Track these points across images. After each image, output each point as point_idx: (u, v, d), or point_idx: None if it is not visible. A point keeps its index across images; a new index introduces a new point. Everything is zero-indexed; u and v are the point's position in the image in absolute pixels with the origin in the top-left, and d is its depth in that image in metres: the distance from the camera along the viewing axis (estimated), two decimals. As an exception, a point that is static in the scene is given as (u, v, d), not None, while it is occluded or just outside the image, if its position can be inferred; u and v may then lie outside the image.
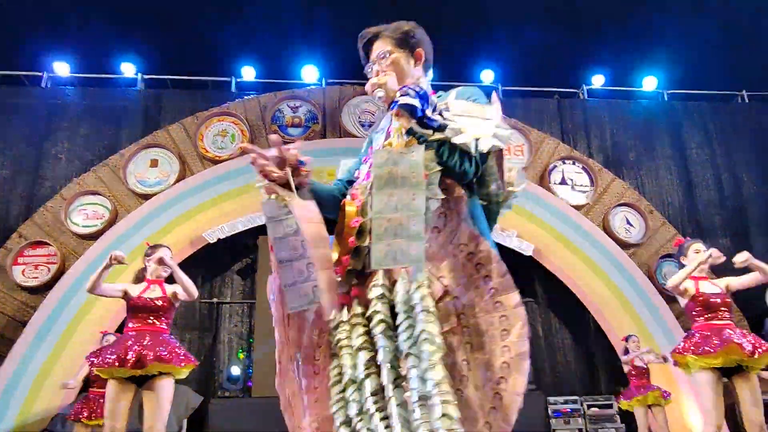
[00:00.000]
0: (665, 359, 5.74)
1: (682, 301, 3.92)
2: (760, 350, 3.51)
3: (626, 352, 6.10)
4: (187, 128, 7.25)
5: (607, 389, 7.26)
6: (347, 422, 1.44)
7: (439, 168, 1.47)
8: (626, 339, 6.23)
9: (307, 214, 1.52)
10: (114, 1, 7.31)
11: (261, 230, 6.17)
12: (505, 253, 7.33)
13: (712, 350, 3.54)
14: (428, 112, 1.50)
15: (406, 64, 1.81)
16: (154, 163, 7.15)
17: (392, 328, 1.41)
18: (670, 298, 6.83)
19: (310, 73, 8.11)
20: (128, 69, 8.01)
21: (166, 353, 3.55)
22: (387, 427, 1.35)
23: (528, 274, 7.83)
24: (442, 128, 1.49)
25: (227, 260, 7.51)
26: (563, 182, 7.64)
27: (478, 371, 1.37)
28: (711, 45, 8.01)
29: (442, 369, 1.28)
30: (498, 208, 1.80)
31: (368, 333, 1.46)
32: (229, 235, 6.92)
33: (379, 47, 1.81)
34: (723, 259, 3.80)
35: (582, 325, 7.66)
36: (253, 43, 7.99)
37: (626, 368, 6.08)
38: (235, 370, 6.70)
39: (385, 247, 1.38)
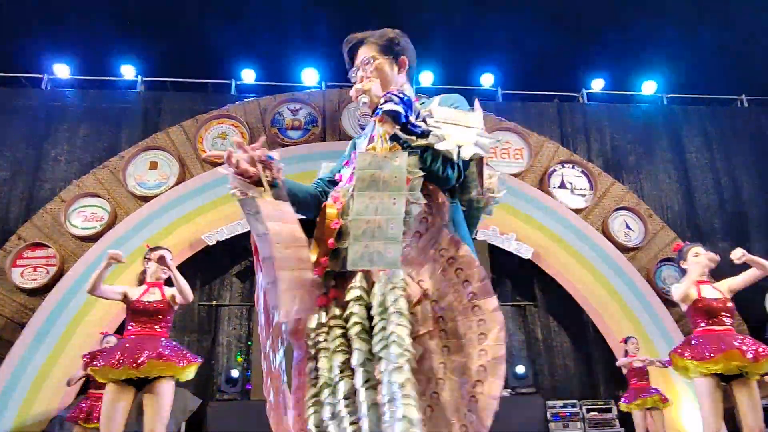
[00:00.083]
0: (665, 365, 5.74)
1: (683, 306, 3.91)
2: (762, 356, 3.50)
3: (626, 354, 6.10)
4: (187, 131, 7.25)
5: (606, 393, 7.26)
6: (319, 424, 1.46)
7: (421, 174, 1.49)
8: (625, 341, 6.23)
9: (275, 213, 1.53)
10: (114, 3, 7.32)
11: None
12: (504, 255, 7.39)
13: (712, 355, 3.53)
14: (412, 119, 1.52)
15: (390, 71, 1.82)
16: (154, 166, 7.15)
17: (368, 331, 1.42)
18: (669, 302, 6.83)
19: (310, 76, 8.12)
20: (128, 71, 8.01)
21: (166, 351, 3.55)
22: (356, 431, 1.36)
23: (527, 277, 7.84)
24: (425, 134, 1.51)
25: (226, 263, 7.51)
26: (563, 186, 7.65)
27: (455, 374, 1.38)
28: (710, 49, 8.02)
29: (409, 371, 1.29)
30: (478, 214, 1.82)
31: (345, 335, 1.47)
32: (229, 238, 6.92)
33: (364, 53, 1.82)
34: (718, 259, 3.82)
35: (581, 329, 7.66)
36: (253, 45, 8.01)
37: (624, 370, 6.08)
38: (234, 373, 6.69)
39: (361, 248, 1.39)
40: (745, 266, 3.78)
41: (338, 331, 1.48)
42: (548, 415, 6.64)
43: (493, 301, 1.42)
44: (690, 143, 8.50)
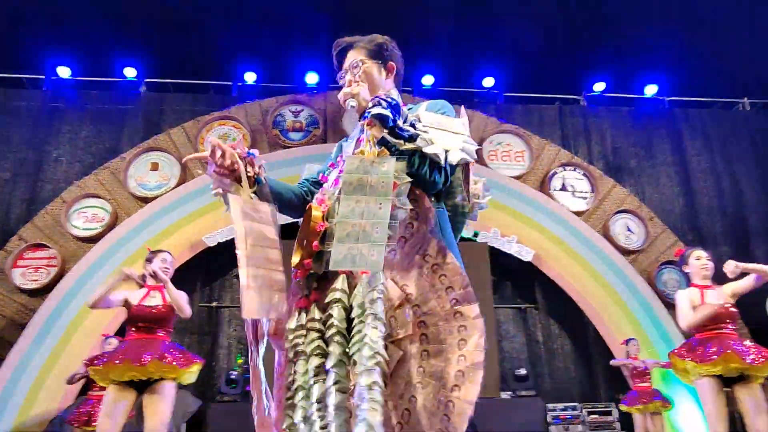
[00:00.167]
0: (665, 366, 5.74)
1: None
2: (761, 359, 3.49)
3: (627, 355, 6.10)
4: (188, 132, 7.26)
5: (607, 396, 7.24)
6: (291, 427, 1.46)
7: (409, 179, 1.50)
8: (626, 342, 6.23)
9: (248, 211, 1.56)
10: (116, 4, 7.33)
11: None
12: (505, 258, 7.39)
13: (712, 357, 3.53)
14: (400, 123, 1.54)
15: (378, 75, 1.84)
16: (155, 167, 7.16)
17: (345, 334, 1.43)
18: (670, 305, 6.82)
19: (312, 78, 8.13)
20: (130, 72, 8.02)
21: (168, 353, 3.54)
22: None
23: (528, 279, 7.83)
24: (413, 138, 1.53)
25: (227, 264, 7.51)
26: (564, 188, 7.65)
27: (433, 379, 1.40)
28: (712, 52, 8.02)
29: (378, 375, 1.30)
30: (463, 219, 1.84)
31: (323, 338, 1.48)
32: (229, 239, 6.91)
33: (353, 57, 1.85)
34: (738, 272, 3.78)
35: (582, 332, 7.66)
36: (255, 47, 8.01)
37: (625, 371, 6.06)
38: (234, 375, 6.68)
39: (345, 250, 1.40)
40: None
41: (315, 335, 1.49)
42: (549, 418, 6.63)
43: (475, 308, 1.44)
44: (691, 146, 8.49)
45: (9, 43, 7.52)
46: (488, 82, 8.48)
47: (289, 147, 7.31)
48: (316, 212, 1.55)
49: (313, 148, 7.26)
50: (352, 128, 1.88)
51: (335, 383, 1.37)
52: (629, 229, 7.52)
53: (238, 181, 1.63)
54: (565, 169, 7.73)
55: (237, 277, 7.85)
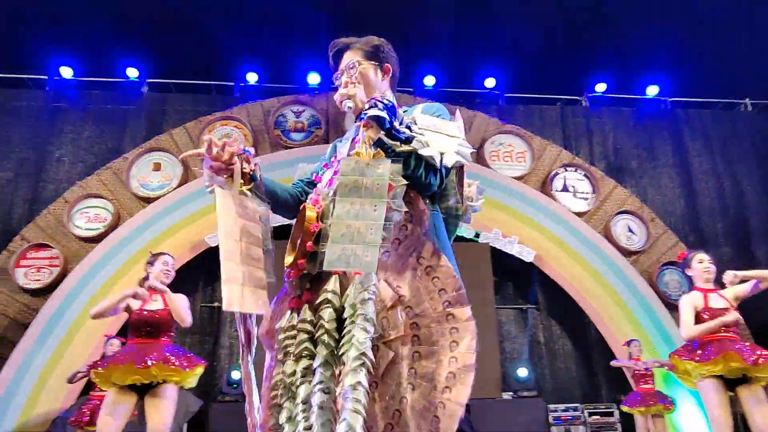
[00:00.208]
0: (667, 367, 5.73)
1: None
2: (763, 359, 3.49)
3: (630, 357, 6.10)
4: (191, 132, 7.27)
5: (608, 397, 7.25)
6: (275, 427, 1.48)
7: (404, 182, 1.51)
8: (628, 343, 6.22)
9: (234, 206, 1.56)
10: (119, 5, 7.34)
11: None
12: (507, 258, 7.39)
13: (711, 356, 3.53)
14: (396, 125, 1.55)
15: (374, 77, 1.85)
16: (157, 167, 7.17)
17: (334, 334, 1.43)
18: (671, 306, 6.83)
19: (313, 78, 8.14)
20: (132, 73, 8.03)
21: (172, 357, 3.53)
22: None
23: (529, 280, 7.84)
24: (409, 141, 1.55)
25: (229, 264, 7.50)
26: (565, 189, 7.65)
27: (425, 380, 1.40)
28: (714, 53, 8.01)
29: (363, 375, 1.31)
30: (456, 221, 1.85)
31: (312, 339, 1.49)
32: (231, 240, 6.92)
33: (349, 58, 1.86)
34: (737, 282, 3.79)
35: (583, 332, 7.66)
36: (257, 47, 8.02)
37: (628, 373, 6.06)
38: (236, 375, 6.69)
39: (339, 250, 1.40)
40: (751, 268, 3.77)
41: (304, 336, 1.49)
42: (550, 419, 6.63)
43: (467, 311, 1.45)
44: (693, 147, 8.49)
45: (12, 44, 7.54)
46: (490, 82, 8.48)
47: (290, 147, 7.32)
48: (311, 212, 1.55)
49: (315, 149, 7.27)
50: (354, 129, 1.88)
51: (319, 383, 1.38)
52: (630, 230, 7.52)
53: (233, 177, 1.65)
54: (566, 170, 7.73)
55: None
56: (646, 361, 6.00)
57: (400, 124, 1.57)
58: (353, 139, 1.76)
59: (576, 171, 7.75)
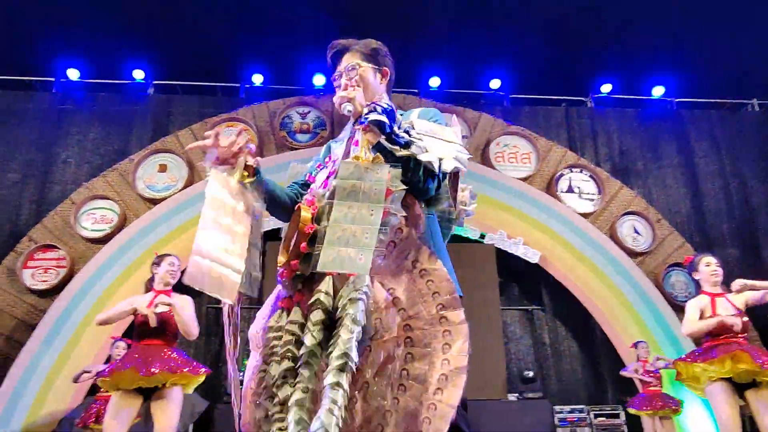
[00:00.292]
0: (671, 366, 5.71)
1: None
2: None
3: (637, 359, 6.07)
4: (196, 134, 7.29)
5: (614, 398, 7.22)
6: (255, 424, 1.50)
7: (403, 187, 1.53)
8: (635, 345, 6.19)
9: (227, 187, 1.56)
10: (124, 7, 7.37)
11: (269, 235, 6.19)
12: (512, 259, 7.38)
13: (717, 356, 3.51)
14: (396, 129, 1.57)
15: (373, 80, 1.86)
16: (163, 168, 7.20)
17: (318, 335, 1.44)
18: (677, 308, 6.80)
19: (319, 80, 8.15)
20: (138, 74, 8.07)
21: (174, 364, 3.54)
22: None
23: (534, 281, 7.82)
24: (408, 145, 1.56)
25: (234, 265, 7.52)
26: (570, 190, 7.63)
27: (417, 381, 1.42)
28: (720, 53, 7.98)
29: (342, 375, 1.32)
30: (450, 225, 1.88)
31: (297, 341, 1.50)
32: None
33: (349, 60, 1.86)
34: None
35: (588, 333, 7.64)
36: (262, 49, 8.04)
37: (636, 375, 6.02)
38: (242, 375, 6.70)
39: (333, 253, 1.42)
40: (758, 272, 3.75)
41: (289, 337, 1.51)
42: (555, 420, 6.62)
43: (460, 314, 1.47)
44: (699, 148, 8.46)
45: (19, 46, 7.58)
46: (495, 83, 8.48)
47: (296, 149, 7.33)
48: (306, 213, 1.56)
49: (321, 150, 7.27)
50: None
51: (299, 383, 1.40)
52: (636, 231, 7.49)
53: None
54: (571, 171, 7.72)
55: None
56: (653, 363, 5.97)
57: (399, 128, 1.59)
58: (349, 141, 1.79)
59: (581, 172, 7.73)
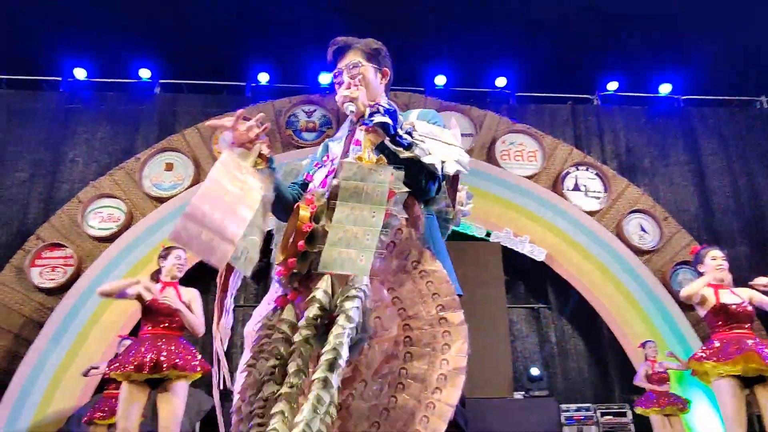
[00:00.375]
0: (686, 366, 5.68)
1: (701, 311, 3.86)
2: None
3: (645, 358, 6.04)
4: (203, 132, 7.31)
5: (621, 397, 7.20)
6: (238, 422, 1.51)
7: (406, 189, 1.53)
8: (643, 345, 6.16)
9: (235, 169, 1.54)
10: (131, 6, 7.40)
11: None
12: (518, 257, 7.36)
13: (731, 356, 3.49)
14: (399, 131, 1.58)
15: (374, 79, 1.87)
16: (170, 167, 7.22)
17: (306, 331, 1.43)
18: (685, 306, 6.76)
19: (325, 78, 8.16)
20: (145, 74, 8.10)
21: (180, 361, 3.57)
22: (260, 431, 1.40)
23: (540, 279, 7.80)
24: (410, 147, 1.57)
25: (241, 264, 7.54)
26: (576, 188, 7.61)
27: (416, 380, 1.43)
28: (728, 49, 7.93)
29: (330, 371, 1.31)
30: (446, 224, 1.89)
31: (286, 340, 1.50)
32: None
33: (351, 58, 1.87)
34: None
35: (595, 332, 7.61)
36: (268, 48, 8.05)
37: (644, 374, 5.98)
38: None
39: (335, 254, 1.42)
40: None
41: (279, 335, 1.51)
42: (562, 419, 6.60)
43: (459, 315, 1.48)
44: (707, 145, 8.41)
45: (26, 47, 7.63)
46: (501, 81, 8.46)
47: (302, 147, 7.34)
48: (304, 212, 1.55)
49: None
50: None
51: (288, 379, 1.40)
52: (643, 229, 7.46)
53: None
54: (577, 169, 7.69)
55: (251, 277, 7.89)
56: (662, 363, 5.94)
57: (401, 129, 1.60)
58: (347, 140, 1.79)
59: (587, 170, 7.71)
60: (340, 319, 1.38)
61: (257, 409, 1.44)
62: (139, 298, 3.77)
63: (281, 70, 8.28)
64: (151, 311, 3.73)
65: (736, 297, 3.75)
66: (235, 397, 1.60)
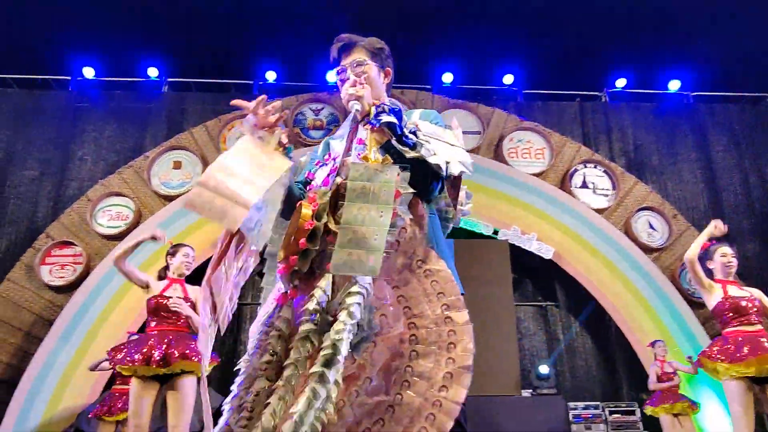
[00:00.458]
0: (695, 370, 5.66)
1: (709, 304, 3.84)
2: None
3: (654, 357, 6.00)
4: (210, 131, 7.34)
5: (629, 395, 7.17)
6: (228, 413, 1.54)
7: (412, 190, 1.55)
8: (652, 344, 6.11)
9: (255, 149, 1.54)
10: (139, 6, 7.43)
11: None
12: (526, 255, 7.34)
13: (744, 358, 3.46)
14: (405, 131, 1.59)
15: (378, 78, 1.88)
16: (178, 165, 7.25)
17: (311, 329, 1.44)
18: (695, 304, 6.73)
19: (332, 76, 8.15)
20: (153, 72, 8.13)
21: (189, 351, 3.59)
22: (246, 425, 1.42)
23: (548, 277, 7.78)
24: (416, 147, 1.59)
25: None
26: (584, 186, 7.58)
27: (421, 378, 1.44)
28: (739, 45, 7.86)
29: (329, 367, 1.32)
30: (446, 224, 1.90)
31: (281, 336, 1.52)
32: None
33: (356, 55, 1.87)
34: (725, 230, 3.87)
35: (603, 330, 7.59)
36: (275, 46, 8.06)
37: (655, 376, 5.93)
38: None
39: (345, 256, 1.43)
40: None
41: (275, 332, 1.54)
42: (570, 417, 6.58)
43: (464, 315, 1.50)
44: (717, 142, 8.34)
45: (35, 46, 7.67)
46: (508, 79, 8.43)
47: (309, 145, 7.34)
48: (306, 210, 1.56)
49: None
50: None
51: (276, 375, 1.42)
52: (652, 227, 7.42)
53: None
54: (585, 166, 7.66)
55: (260, 274, 7.90)
56: (672, 362, 5.89)
57: (405, 129, 1.61)
58: (349, 138, 1.80)
59: (596, 167, 7.67)
60: (342, 315, 1.39)
61: (246, 403, 1.46)
62: (146, 287, 3.79)
63: (289, 68, 8.29)
64: (157, 308, 3.75)
65: (744, 292, 3.73)
66: (232, 392, 1.62)
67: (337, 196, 1.57)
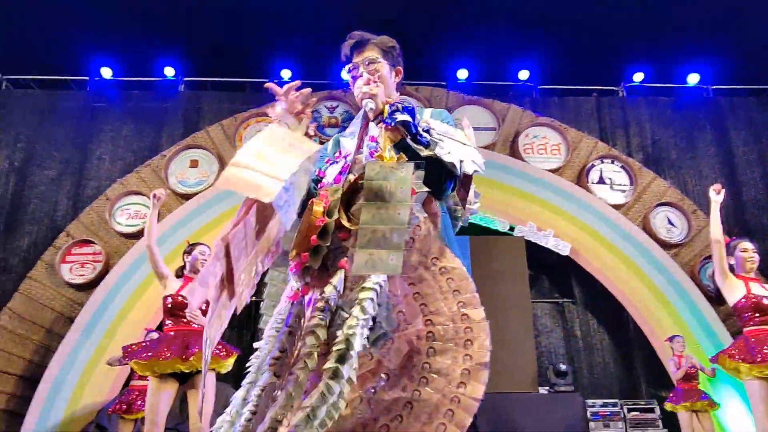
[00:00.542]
0: (713, 373, 5.61)
1: (729, 299, 3.78)
2: None
3: (672, 352, 5.94)
4: (226, 129, 7.38)
5: (647, 392, 7.10)
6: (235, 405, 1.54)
7: (426, 189, 1.56)
8: (670, 339, 6.05)
9: (284, 135, 1.55)
10: (155, 6, 7.49)
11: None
12: (542, 252, 7.29)
13: (766, 359, 3.41)
14: (419, 129, 1.61)
15: (389, 77, 1.89)
16: (194, 164, 7.31)
17: (320, 324, 1.44)
18: (714, 300, 6.64)
19: (345, 74, 8.15)
20: (169, 72, 8.20)
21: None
22: (249, 418, 1.43)
23: (565, 273, 7.72)
24: (430, 145, 1.61)
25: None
26: (601, 181, 7.51)
27: (439, 375, 1.44)
28: (759, 37, 7.72)
29: (343, 363, 1.31)
30: (455, 222, 1.91)
31: (290, 333, 1.53)
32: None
33: (368, 53, 1.89)
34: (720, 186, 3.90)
35: (621, 326, 7.52)
36: (290, 45, 8.08)
37: (675, 372, 5.88)
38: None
39: (366, 256, 1.44)
40: None
41: (286, 329, 1.54)
42: (588, 414, 6.53)
43: (480, 312, 1.51)
44: (737, 136, 8.20)
45: (55, 47, 7.77)
46: (523, 74, 8.37)
47: (324, 143, 7.35)
48: (318, 207, 1.57)
49: (348, 144, 7.29)
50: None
51: (282, 370, 1.43)
52: (670, 222, 7.34)
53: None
54: (602, 162, 7.59)
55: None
56: (692, 357, 5.82)
57: (419, 127, 1.62)
58: (360, 135, 1.82)
59: (613, 163, 7.60)
60: (355, 311, 1.39)
61: (253, 397, 1.47)
62: (164, 282, 3.81)
63: (303, 67, 8.30)
64: (174, 306, 3.76)
65: (765, 291, 3.67)
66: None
67: (350, 193, 1.57)
